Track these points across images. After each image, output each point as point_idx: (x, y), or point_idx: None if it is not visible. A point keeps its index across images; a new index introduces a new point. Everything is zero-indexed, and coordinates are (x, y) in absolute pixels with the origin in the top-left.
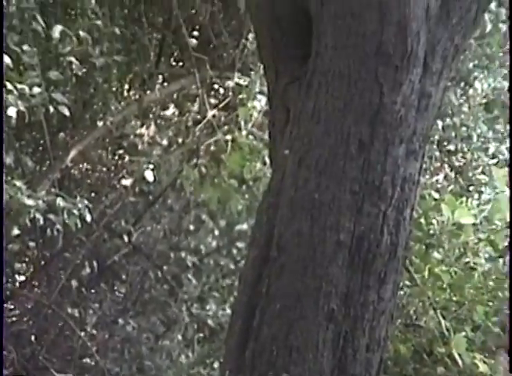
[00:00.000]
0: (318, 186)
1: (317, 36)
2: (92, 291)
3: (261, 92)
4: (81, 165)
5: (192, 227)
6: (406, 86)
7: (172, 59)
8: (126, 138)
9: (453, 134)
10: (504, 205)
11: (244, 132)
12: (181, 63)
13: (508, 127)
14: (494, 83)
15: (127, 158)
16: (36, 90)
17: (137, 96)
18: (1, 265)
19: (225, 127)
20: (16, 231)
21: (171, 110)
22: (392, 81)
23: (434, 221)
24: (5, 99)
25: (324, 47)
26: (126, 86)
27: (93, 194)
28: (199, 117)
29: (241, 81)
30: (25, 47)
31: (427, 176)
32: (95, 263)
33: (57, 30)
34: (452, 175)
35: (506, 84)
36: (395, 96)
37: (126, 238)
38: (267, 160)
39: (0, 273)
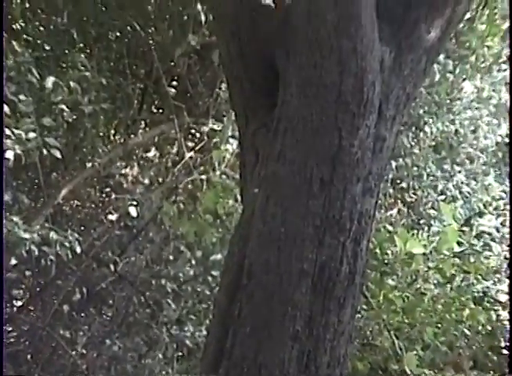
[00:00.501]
0: (284, 220)
1: (283, 86)
2: (82, 314)
3: (232, 137)
4: (71, 202)
5: (171, 257)
6: (363, 131)
7: (153, 107)
8: (112, 177)
9: (405, 173)
10: (451, 237)
11: (218, 172)
12: (161, 110)
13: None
14: (442, 127)
15: (113, 196)
16: (31, 135)
17: (122, 140)
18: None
19: (201, 167)
20: (13, 261)
21: (153, 152)
22: (350, 126)
23: (388, 251)
24: (4, 143)
25: (289, 96)
26: (112, 131)
27: (83, 228)
28: (177, 158)
29: (215, 127)
30: (21, 96)
31: (382, 211)
32: (84, 290)
33: (50, 81)
34: (405, 209)
35: (452, 128)
36: (353, 140)
37: (112, 267)
38: (238, 197)
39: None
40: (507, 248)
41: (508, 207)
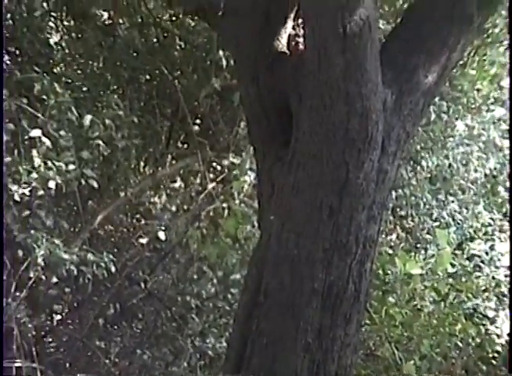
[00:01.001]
0: (297, 244)
1: (296, 125)
2: (115, 327)
3: (251, 169)
4: (106, 227)
5: (195, 276)
6: (367, 165)
7: (179, 142)
8: (142, 205)
9: (404, 202)
10: (445, 259)
11: (237, 201)
12: (186, 145)
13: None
14: (437, 161)
15: (143, 221)
16: (71, 167)
17: (151, 172)
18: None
19: (222, 197)
20: (54, 279)
21: (179, 183)
22: (356, 160)
23: (389, 272)
24: (46, 174)
25: (302, 134)
26: (142, 164)
27: (116, 250)
28: (200, 188)
29: (235, 160)
30: (62, 132)
31: (383, 236)
32: (117, 305)
33: (88, 119)
34: (403, 235)
35: (446, 162)
36: (359, 173)
37: (143, 285)
38: (256, 223)
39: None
40: (495, 269)
41: (504, 226)
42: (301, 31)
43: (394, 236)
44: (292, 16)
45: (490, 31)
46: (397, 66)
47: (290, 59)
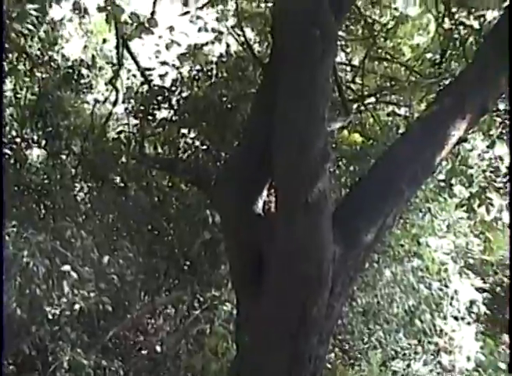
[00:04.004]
0: (265, 360)
1: (267, 270)
2: None
3: (227, 301)
4: (116, 340)
5: None
6: (320, 302)
7: (173, 278)
8: (143, 325)
9: (343, 329)
10: (374, 374)
11: (217, 324)
12: (177, 281)
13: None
14: (368, 299)
15: (142, 337)
16: (92, 294)
17: (150, 300)
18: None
19: (206, 320)
20: None
21: (171, 309)
22: (311, 298)
23: None
24: (73, 299)
25: (271, 277)
26: (144, 293)
27: (123, 358)
28: (188, 313)
29: (216, 293)
30: (86, 268)
31: None
32: None
33: (106, 259)
34: (341, 354)
35: (375, 299)
36: (313, 308)
37: None
38: (231, 341)
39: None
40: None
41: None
42: (274, 199)
43: (332, 355)
44: (267, 186)
45: (413, 200)
46: (344, 228)
47: (265, 219)
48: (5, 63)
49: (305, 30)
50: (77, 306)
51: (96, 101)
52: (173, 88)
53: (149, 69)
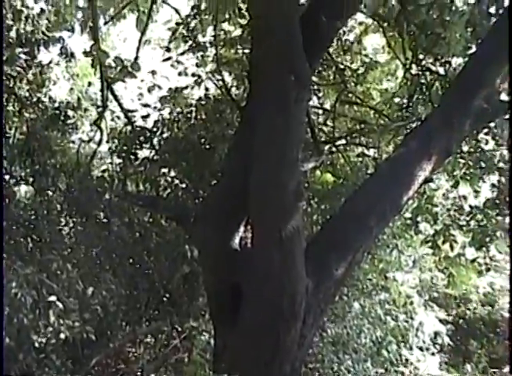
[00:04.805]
0: None
1: (244, 303)
2: None
3: (205, 331)
4: (98, 368)
5: None
6: (294, 331)
7: (153, 309)
8: (125, 353)
9: (314, 358)
10: None
11: (194, 354)
12: (157, 312)
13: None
14: (338, 330)
15: (123, 365)
16: (76, 324)
17: (132, 329)
18: (1, 274)
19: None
20: None
21: (150, 338)
22: (285, 328)
23: None
24: (58, 328)
25: (248, 308)
26: (125, 323)
27: None
28: (166, 342)
29: (194, 324)
30: (71, 299)
31: None
32: None
33: (90, 290)
34: None
35: (345, 331)
36: (287, 337)
37: None
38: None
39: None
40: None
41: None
42: (250, 234)
43: None
44: (243, 223)
45: (381, 236)
46: (316, 263)
47: (241, 254)
48: None
49: (281, 76)
50: (62, 335)
51: (82, 141)
52: (154, 129)
53: (132, 111)
